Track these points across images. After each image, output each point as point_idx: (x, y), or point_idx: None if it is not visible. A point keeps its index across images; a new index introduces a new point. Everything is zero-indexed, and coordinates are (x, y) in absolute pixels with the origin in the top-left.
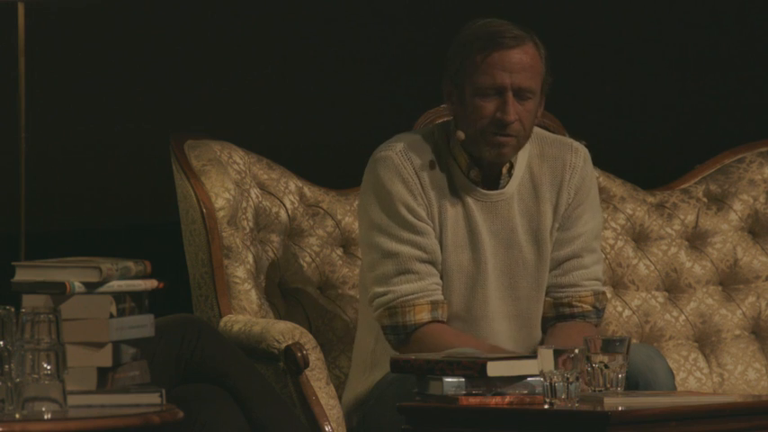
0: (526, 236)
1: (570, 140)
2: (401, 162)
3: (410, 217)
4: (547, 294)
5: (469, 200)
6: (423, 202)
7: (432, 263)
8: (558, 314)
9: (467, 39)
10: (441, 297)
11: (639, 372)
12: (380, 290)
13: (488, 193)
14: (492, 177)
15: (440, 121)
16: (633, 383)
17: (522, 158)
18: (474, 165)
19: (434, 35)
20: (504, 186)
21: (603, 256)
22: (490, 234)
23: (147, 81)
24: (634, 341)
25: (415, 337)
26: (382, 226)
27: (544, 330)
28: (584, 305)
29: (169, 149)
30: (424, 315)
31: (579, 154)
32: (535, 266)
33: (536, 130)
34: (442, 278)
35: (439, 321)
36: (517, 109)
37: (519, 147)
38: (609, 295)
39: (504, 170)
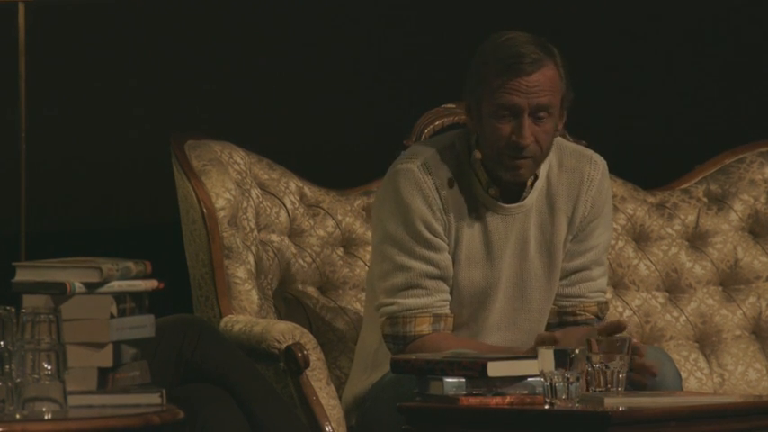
0: (538, 247)
1: (590, 152)
2: (422, 176)
3: (426, 232)
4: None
5: (488, 214)
6: (441, 217)
7: (442, 279)
8: (560, 321)
9: (486, 58)
10: (446, 312)
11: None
12: (387, 300)
13: (508, 207)
14: (514, 192)
15: (441, 123)
16: (641, 385)
17: (544, 169)
18: (493, 183)
19: (435, 36)
20: (524, 200)
21: None
22: (506, 247)
23: (147, 81)
24: (635, 342)
25: (413, 347)
26: (397, 239)
27: None
28: (587, 314)
29: (169, 150)
30: (424, 327)
31: (598, 167)
32: (546, 278)
33: (556, 139)
34: (452, 292)
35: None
36: (533, 130)
37: (536, 166)
38: (609, 296)
39: (528, 182)
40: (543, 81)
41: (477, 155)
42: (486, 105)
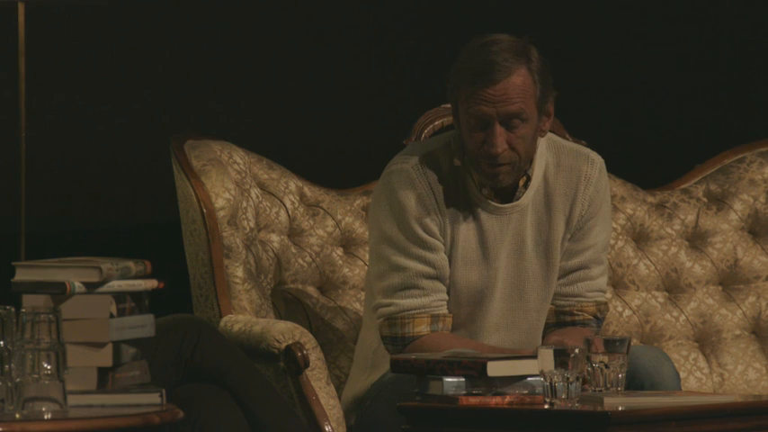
0: (535, 246)
1: (587, 151)
2: (417, 176)
3: (422, 233)
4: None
5: (483, 213)
6: (436, 217)
7: (439, 278)
8: (558, 321)
9: (461, 65)
10: (444, 312)
11: (647, 374)
12: (384, 301)
13: (502, 207)
14: (508, 192)
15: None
16: (639, 385)
17: (539, 169)
18: (485, 183)
19: (435, 35)
20: (518, 199)
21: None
22: (502, 247)
23: (147, 81)
24: (635, 341)
25: (412, 348)
26: (393, 239)
27: (543, 335)
28: (585, 314)
29: (169, 149)
30: (422, 328)
31: (595, 165)
32: (543, 277)
33: (553, 138)
34: (449, 292)
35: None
36: (507, 137)
37: (518, 170)
38: (609, 295)
39: (521, 183)
40: (511, 89)
41: (456, 162)
42: (460, 113)
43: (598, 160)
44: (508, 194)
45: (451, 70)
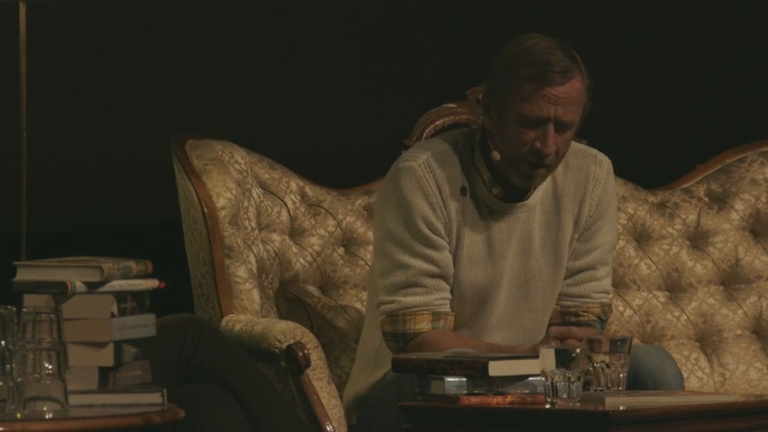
0: (543, 246)
1: (595, 151)
2: (424, 174)
3: (427, 231)
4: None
5: (491, 213)
6: (442, 216)
7: (443, 277)
8: (563, 322)
9: (515, 61)
10: (446, 310)
11: (650, 373)
12: (387, 298)
13: (511, 206)
14: (517, 191)
15: (439, 121)
16: (642, 384)
17: None
18: (496, 183)
19: (436, 36)
20: (527, 199)
21: None
22: (509, 246)
23: (148, 81)
24: (636, 341)
25: (414, 345)
26: (397, 237)
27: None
28: (589, 315)
29: (170, 149)
30: (423, 325)
31: (603, 166)
32: (550, 277)
33: None
34: (453, 291)
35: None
36: (555, 139)
37: (549, 174)
38: (610, 295)
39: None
40: (572, 93)
41: (497, 155)
42: (511, 109)
43: (606, 161)
44: (517, 194)
45: (501, 67)
